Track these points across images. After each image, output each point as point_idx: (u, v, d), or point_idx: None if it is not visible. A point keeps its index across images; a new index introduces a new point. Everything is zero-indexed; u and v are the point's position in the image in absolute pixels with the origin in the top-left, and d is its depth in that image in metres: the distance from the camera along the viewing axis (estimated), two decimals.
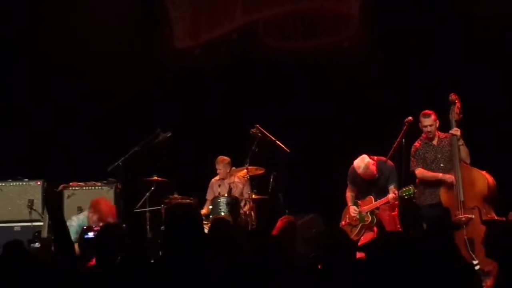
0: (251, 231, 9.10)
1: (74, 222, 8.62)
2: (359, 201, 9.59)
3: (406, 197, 8.95)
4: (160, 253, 5.98)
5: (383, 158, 9.41)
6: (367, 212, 9.43)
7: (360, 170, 9.41)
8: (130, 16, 11.90)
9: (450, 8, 11.10)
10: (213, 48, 12.33)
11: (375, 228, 9.40)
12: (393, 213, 9.32)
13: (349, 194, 9.70)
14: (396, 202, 9.20)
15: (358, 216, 9.48)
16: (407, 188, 8.96)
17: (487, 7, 10.67)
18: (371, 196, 9.45)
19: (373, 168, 9.40)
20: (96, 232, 6.71)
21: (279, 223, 7.67)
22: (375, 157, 9.47)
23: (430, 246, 5.40)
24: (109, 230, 5.78)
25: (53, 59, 11.64)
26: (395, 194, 9.13)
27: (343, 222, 9.65)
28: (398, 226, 9.19)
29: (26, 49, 11.85)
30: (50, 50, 11.65)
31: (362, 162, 9.41)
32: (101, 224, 8.31)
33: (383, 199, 9.29)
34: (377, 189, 9.45)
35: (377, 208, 9.38)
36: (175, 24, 12.52)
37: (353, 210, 9.53)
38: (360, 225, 9.47)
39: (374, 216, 9.40)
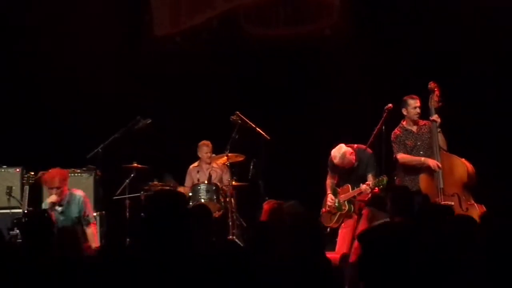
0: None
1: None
2: (338, 189, 9.59)
3: (380, 187, 8.94)
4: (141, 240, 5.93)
5: (363, 146, 9.38)
6: (344, 201, 9.42)
7: (336, 160, 9.35)
8: (110, 2, 11.81)
9: None
10: (194, 35, 12.27)
11: (355, 216, 9.41)
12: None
13: (329, 181, 9.68)
14: (369, 194, 9.19)
15: (336, 205, 9.48)
16: (380, 178, 8.96)
17: None
18: (349, 185, 9.41)
19: (351, 157, 9.35)
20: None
21: (266, 207, 7.68)
22: (355, 145, 9.43)
23: (420, 234, 5.40)
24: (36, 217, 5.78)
25: (33, 45, 11.56)
26: (368, 185, 9.11)
27: (323, 210, 9.65)
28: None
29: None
30: (29, 37, 11.56)
31: (338, 152, 9.33)
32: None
33: (356, 189, 9.24)
34: (356, 177, 9.39)
35: (354, 197, 9.38)
36: (155, 10, 12.44)
37: (330, 199, 9.51)
38: (338, 213, 9.48)
39: (351, 205, 9.36)
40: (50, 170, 8.88)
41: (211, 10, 12.32)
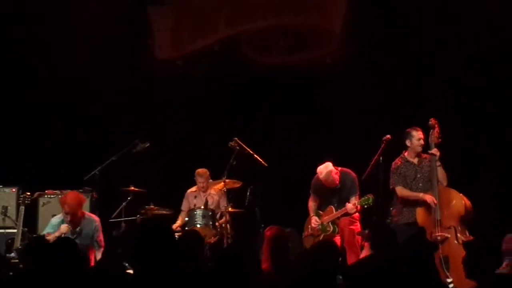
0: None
1: (55, 219, 8.91)
2: (320, 212, 9.67)
3: (365, 206, 9.13)
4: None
5: (347, 170, 9.60)
6: (328, 222, 9.54)
7: (322, 176, 9.51)
8: (112, 25, 11.80)
9: (431, 23, 11.08)
10: (195, 60, 12.29)
11: (337, 237, 9.44)
12: (351, 227, 9.41)
13: (311, 204, 9.82)
14: (356, 214, 9.36)
15: (320, 227, 9.56)
16: (365, 197, 9.14)
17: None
18: (332, 207, 9.57)
19: (336, 177, 9.53)
20: None
21: (268, 233, 7.66)
22: (339, 168, 9.58)
23: (405, 268, 5.36)
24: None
25: (32, 66, 11.55)
26: (354, 204, 9.24)
27: (305, 233, 9.77)
28: (357, 240, 9.30)
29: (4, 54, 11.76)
30: (30, 55, 11.55)
31: (326, 169, 9.53)
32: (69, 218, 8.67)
33: (342, 209, 9.40)
34: (339, 200, 9.58)
35: (338, 218, 9.46)
36: (157, 34, 12.46)
37: (314, 221, 9.64)
38: (322, 235, 9.56)
39: (335, 226, 9.53)
40: (68, 194, 8.96)
41: (214, 35, 12.36)
